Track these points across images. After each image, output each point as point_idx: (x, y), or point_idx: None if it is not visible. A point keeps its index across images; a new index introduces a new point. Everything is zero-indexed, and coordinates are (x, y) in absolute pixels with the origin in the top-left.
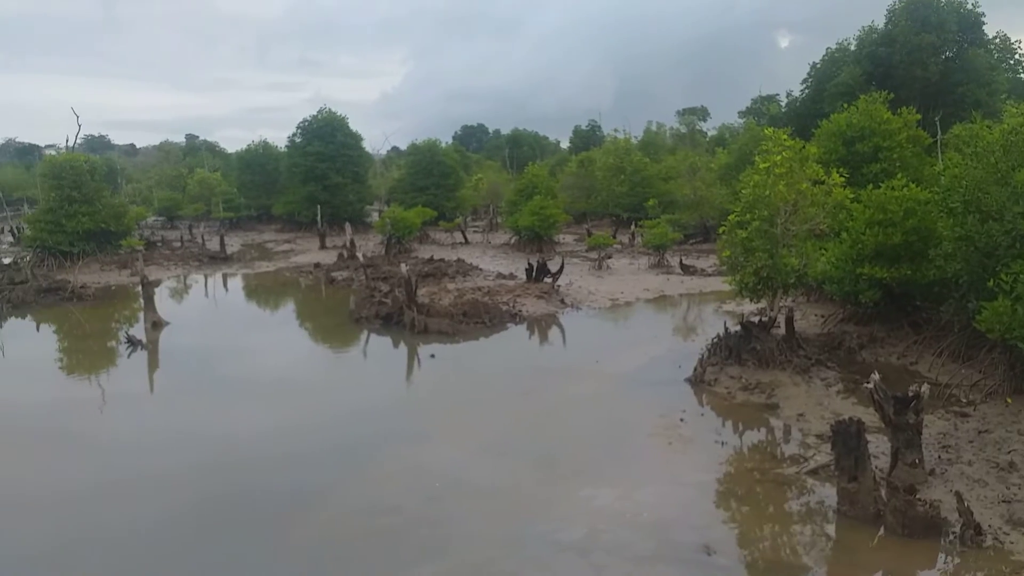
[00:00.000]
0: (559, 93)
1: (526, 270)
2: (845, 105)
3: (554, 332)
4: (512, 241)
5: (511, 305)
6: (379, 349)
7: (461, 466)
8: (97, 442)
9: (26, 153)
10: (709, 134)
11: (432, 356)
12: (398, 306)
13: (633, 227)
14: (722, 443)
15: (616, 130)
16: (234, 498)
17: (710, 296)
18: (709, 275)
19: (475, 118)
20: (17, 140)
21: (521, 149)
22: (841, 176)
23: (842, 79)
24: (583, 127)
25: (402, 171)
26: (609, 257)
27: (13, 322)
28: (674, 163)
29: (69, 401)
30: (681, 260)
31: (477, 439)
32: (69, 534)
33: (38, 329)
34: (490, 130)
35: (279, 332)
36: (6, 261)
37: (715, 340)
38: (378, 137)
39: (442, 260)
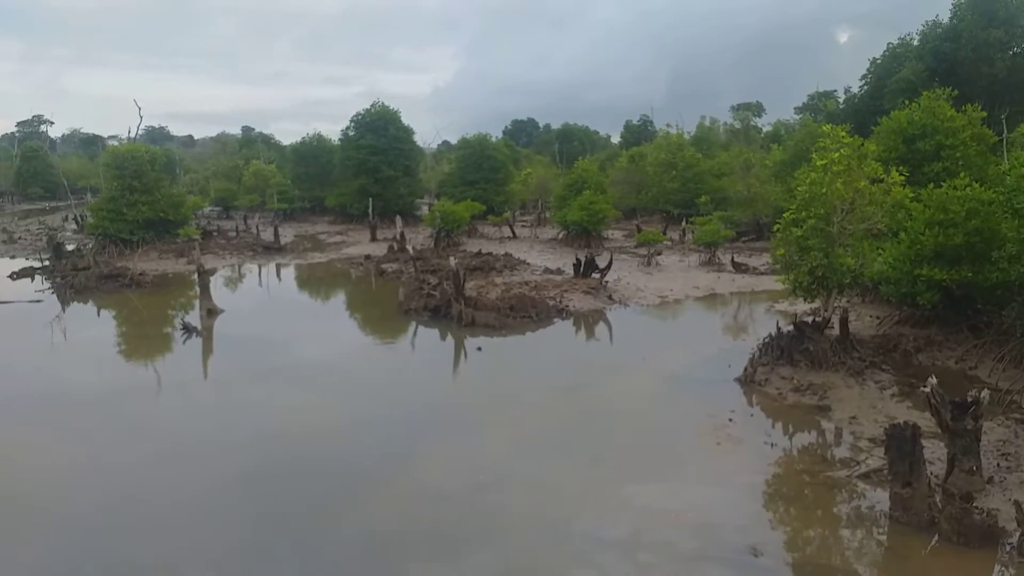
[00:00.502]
0: (611, 88)
1: (574, 265)
2: (906, 102)
3: (601, 328)
4: (560, 236)
5: (558, 300)
6: (427, 341)
7: (506, 459)
8: (151, 427)
9: (90, 143)
10: (764, 130)
11: (479, 349)
12: (446, 299)
13: (684, 224)
14: (771, 444)
15: (668, 125)
16: (284, 483)
17: (762, 295)
18: (761, 273)
19: (526, 112)
20: (82, 131)
21: (571, 144)
22: (901, 174)
23: (904, 75)
24: (635, 122)
25: (452, 165)
26: (659, 254)
27: (76, 307)
28: (727, 159)
29: (126, 385)
30: (733, 258)
31: (522, 433)
32: (118, 518)
33: (99, 314)
34: (540, 124)
35: (329, 322)
36: (70, 248)
37: (766, 340)
38: (429, 131)
39: (490, 254)
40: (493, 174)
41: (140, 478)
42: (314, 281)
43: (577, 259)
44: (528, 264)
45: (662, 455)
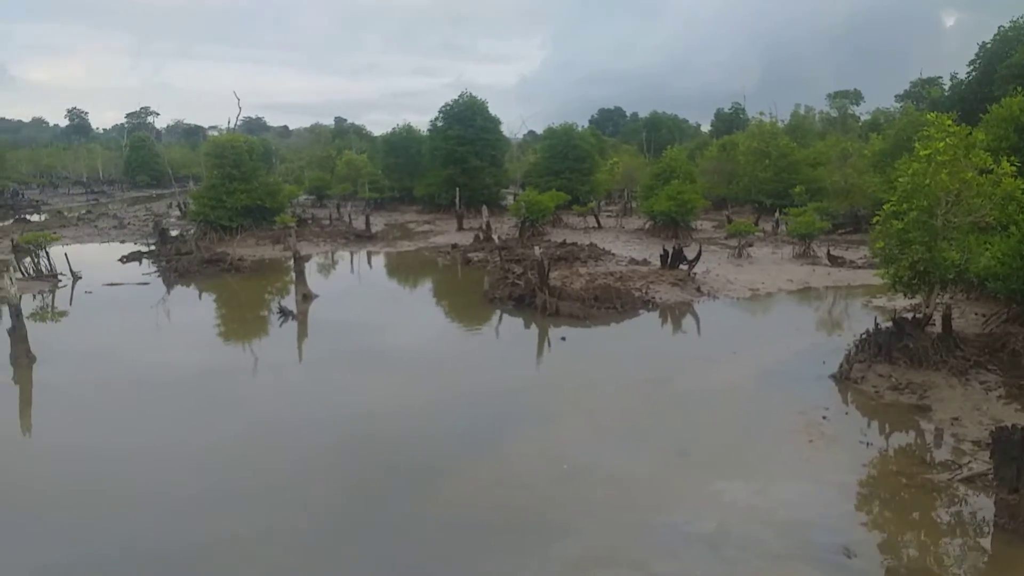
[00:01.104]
0: (701, 76)
1: (661, 256)
2: (1019, 88)
3: (688, 321)
4: (647, 226)
5: (644, 291)
6: (511, 329)
7: (590, 450)
8: (247, 406)
9: (192, 134)
10: (862, 119)
11: (563, 339)
12: (530, 288)
13: (777, 215)
14: (867, 444)
15: (761, 113)
16: (370, 465)
17: (859, 290)
18: (859, 267)
19: (613, 101)
20: (185, 122)
21: (659, 132)
22: (1012, 165)
23: (1016, 60)
24: (726, 110)
25: (537, 155)
26: (750, 245)
27: (179, 289)
28: (823, 148)
29: (224, 365)
30: (828, 251)
31: (607, 424)
32: (214, 491)
33: (200, 297)
34: (627, 113)
35: (417, 309)
36: (174, 234)
37: (864, 336)
38: (515, 121)
39: (574, 244)
40: (578, 164)
41: (235, 455)
42: (403, 269)
43: (664, 250)
44: (613, 255)
45: (751, 451)
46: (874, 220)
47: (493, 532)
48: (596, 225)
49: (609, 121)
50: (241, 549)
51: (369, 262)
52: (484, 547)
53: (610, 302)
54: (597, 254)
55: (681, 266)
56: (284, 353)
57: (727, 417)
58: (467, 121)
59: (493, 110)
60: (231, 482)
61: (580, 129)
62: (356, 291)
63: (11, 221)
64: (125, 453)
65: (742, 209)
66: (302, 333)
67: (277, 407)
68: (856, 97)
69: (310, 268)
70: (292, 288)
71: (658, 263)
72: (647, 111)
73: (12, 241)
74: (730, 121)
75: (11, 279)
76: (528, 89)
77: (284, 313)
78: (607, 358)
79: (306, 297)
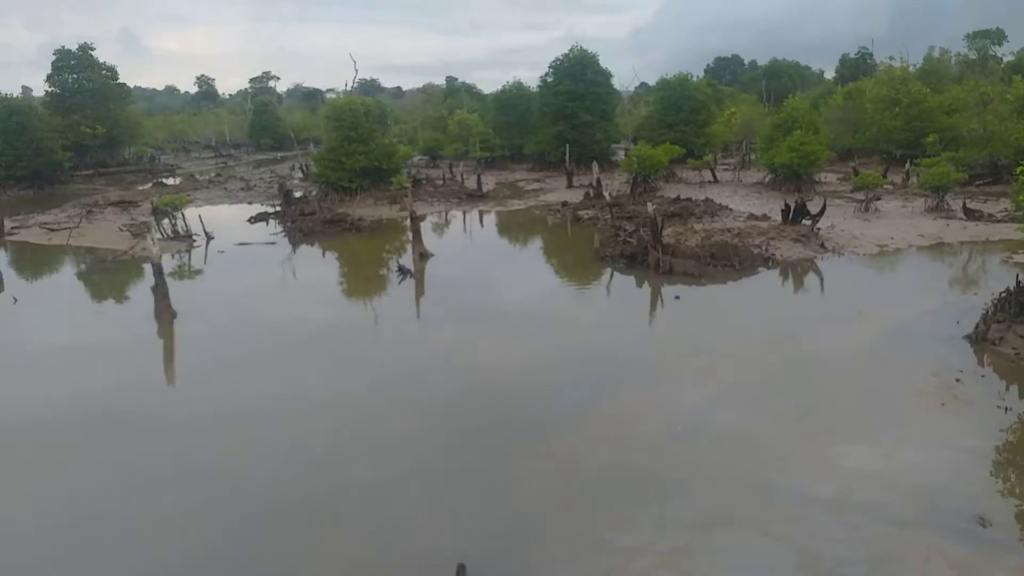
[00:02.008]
0: (824, 21)
1: (782, 211)
2: None
3: (811, 278)
4: (766, 180)
5: (763, 248)
6: (622, 288)
7: (704, 410)
8: (369, 360)
9: (311, 97)
10: (1005, 60)
11: (677, 297)
12: (643, 246)
13: (908, 166)
14: (1005, 409)
15: (891, 58)
16: (482, 419)
17: (998, 245)
18: (998, 221)
19: (730, 50)
20: (303, 85)
21: (779, 81)
22: None
23: None
24: (852, 55)
25: (650, 108)
26: (878, 199)
27: (304, 249)
28: (960, 94)
29: (347, 320)
30: (964, 203)
31: (722, 384)
32: (339, 442)
33: (323, 256)
34: (746, 62)
35: (527, 267)
36: (297, 195)
37: (1003, 295)
38: (627, 73)
39: (689, 199)
40: (693, 115)
41: (359, 406)
42: (513, 227)
43: (786, 204)
44: (730, 210)
45: (877, 414)
46: (1018, 170)
47: (606, 487)
48: (712, 179)
49: (726, 70)
50: (367, 495)
51: (481, 221)
52: (597, 501)
53: (727, 259)
54: (713, 209)
55: (804, 221)
56: (403, 310)
57: (851, 379)
58: (577, 75)
59: (604, 63)
60: (356, 431)
61: (695, 79)
62: (469, 250)
63: (150, 185)
64: (259, 401)
65: (869, 160)
66: (419, 291)
67: (397, 361)
68: (999, 36)
69: (425, 227)
70: (409, 247)
71: (779, 218)
72: (767, 59)
73: (151, 204)
74: (856, 67)
75: (153, 240)
76: (641, 40)
77: (402, 271)
78: (723, 317)
79: (423, 256)
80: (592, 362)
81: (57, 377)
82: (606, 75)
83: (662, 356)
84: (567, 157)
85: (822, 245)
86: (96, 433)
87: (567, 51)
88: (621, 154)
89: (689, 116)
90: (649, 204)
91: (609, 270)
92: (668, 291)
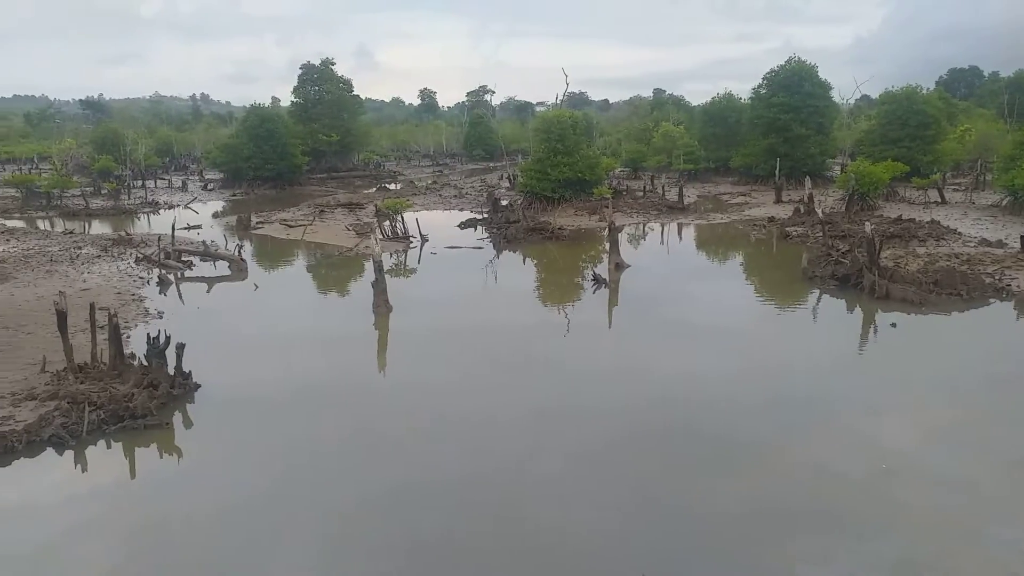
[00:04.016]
0: None
1: (1021, 238)
2: None
3: None
4: (1004, 203)
5: (997, 278)
6: (831, 311)
7: (915, 448)
8: (557, 364)
9: (522, 110)
10: None
11: (893, 325)
12: (857, 267)
13: None
14: None
15: None
16: (673, 433)
17: None
18: None
19: (964, 60)
20: (516, 98)
21: None
22: None
23: None
24: None
25: (871, 122)
26: None
27: (507, 255)
28: None
29: (538, 323)
30: None
31: (938, 424)
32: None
33: (524, 262)
34: (985, 73)
35: (726, 282)
36: (504, 203)
37: None
38: (847, 85)
39: (911, 221)
40: (921, 131)
41: (550, 406)
42: (713, 241)
43: None
44: (959, 234)
45: None
46: None
47: (800, 517)
48: (939, 200)
49: (961, 82)
50: (552, 494)
51: (680, 234)
52: (790, 530)
53: (953, 287)
54: (939, 233)
55: None
56: (595, 317)
57: None
58: (793, 87)
59: (824, 74)
60: (546, 431)
61: (925, 92)
62: (665, 262)
63: (374, 189)
64: (460, 395)
65: None
66: (612, 300)
67: (587, 364)
68: None
69: (622, 238)
70: (605, 257)
71: (1018, 246)
72: (1011, 70)
73: (375, 207)
74: None
75: (376, 239)
76: (864, 51)
77: (597, 280)
78: (944, 350)
79: (618, 266)
80: (793, 385)
81: (291, 356)
82: (824, 87)
83: (873, 387)
84: (777, 171)
85: None
86: (334, 401)
87: (783, 62)
88: (837, 170)
89: (916, 131)
90: (867, 223)
91: (817, 291)
92: (883, 318)
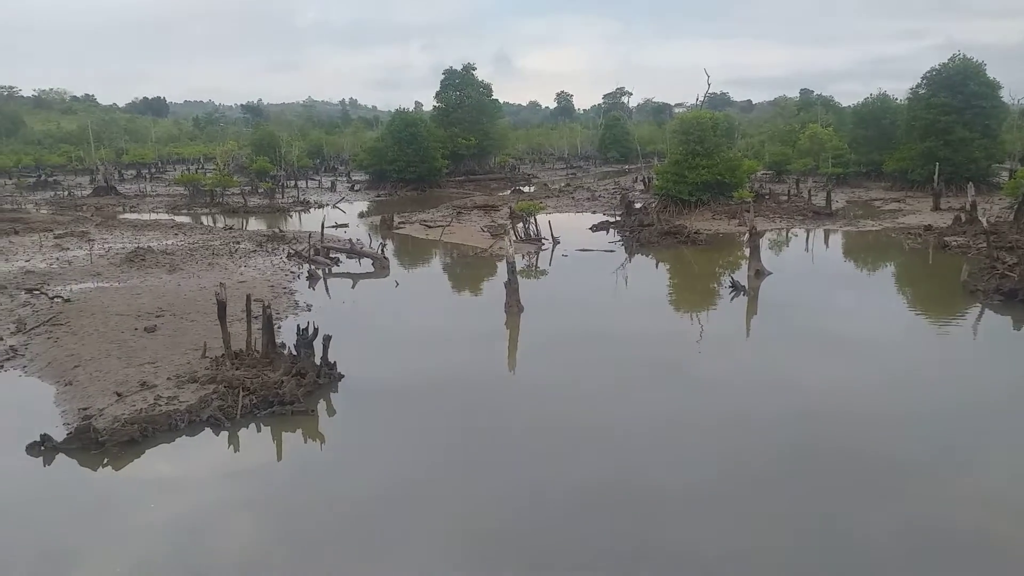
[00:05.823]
0: None
1: None
2: None
3: None
4: None
5: None
6: (994, 328)
7: None
8: (692, 376)
9: (659, 111)
10: None
11: None
12: None
13: None
14: None
15: None
16: (817, 452)
17: None
18: None
19: None
20: (653, 100)
21: None
22: None
23: None
24: None
25: None
26: None
27: (639, 258)
28: None
29: (672, 331)
30: None
31: None
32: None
33: (656, 267)
34: None
35: (875, 293)
36: (638, 206)
37: None
38: (1020, 84)
39: None
40: None
41: (675, 418)
42: (862, 250)
43: None
44: None
45: None
46: None
47: (965, 552)
48: None
49: None
50: (695, 497)
51: (826, 241)
52: (951, 564)
53: None
54: None
55: None
56: (732, 327)
57: None
58: (956, 87)
59: (992, 73)
60: (677, 438)
61: None
62: (810, 270)
63: (509, 192)
64: (591, 399)
65: None
66: (751, 309)
67: (720, 375)
68: None
69: (763, 244)
70: (744, 263)
71: None
72: None
73: (510, 209)
74: None
75: (510, 241)
76: None
77: (736, 288)
78: None
79: (759, 273)
80: (949, 410)
81: (428, 352)
82: (992, 86)
83: None
84: (935, 176)
85: None
86: (468, 397)
87: (946, 60)
88: (1004, 175)
89: None
90: None
91: (979, 306)
92: None
